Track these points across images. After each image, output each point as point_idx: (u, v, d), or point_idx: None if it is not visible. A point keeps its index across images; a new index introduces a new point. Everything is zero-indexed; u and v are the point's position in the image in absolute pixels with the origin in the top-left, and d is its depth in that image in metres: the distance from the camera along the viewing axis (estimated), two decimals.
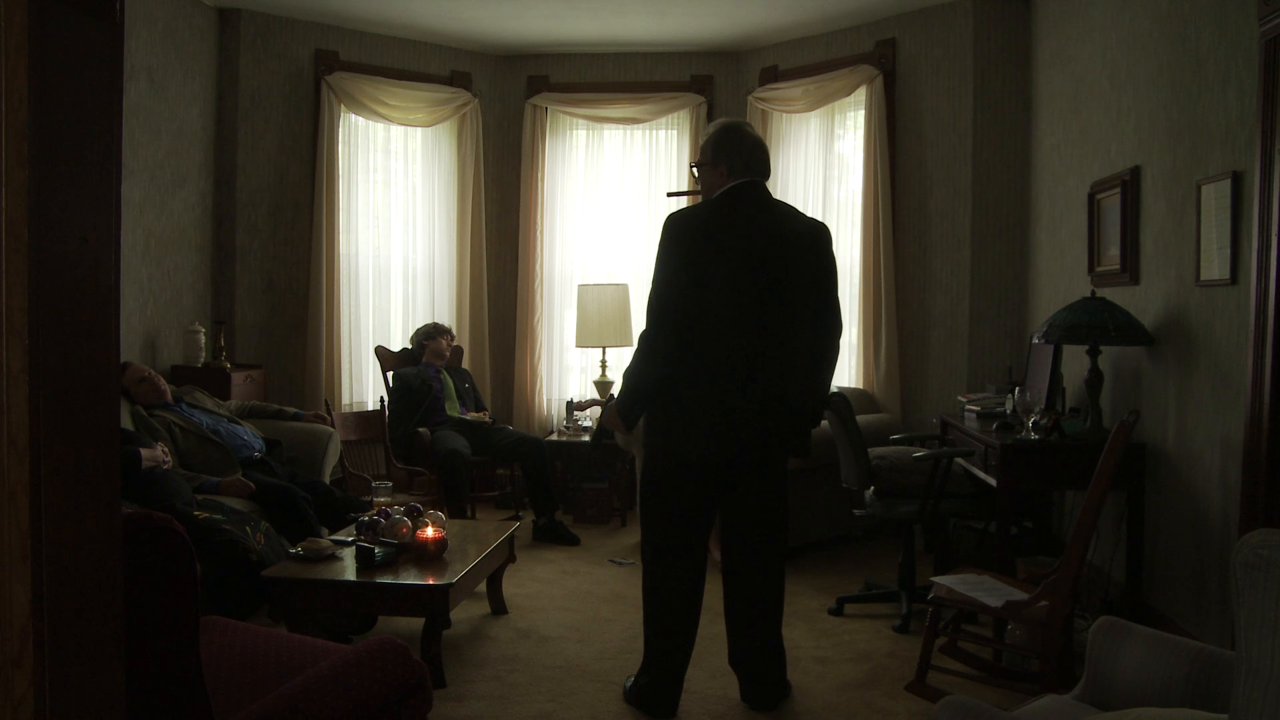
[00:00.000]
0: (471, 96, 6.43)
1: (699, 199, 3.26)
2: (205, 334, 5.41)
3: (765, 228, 3.03)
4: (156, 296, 5.23)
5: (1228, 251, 3.14)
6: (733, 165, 3.07)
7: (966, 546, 4.61)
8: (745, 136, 3.12)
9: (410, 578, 3.42)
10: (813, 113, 6.02)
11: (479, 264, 6.46)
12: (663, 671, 3.12)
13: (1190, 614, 3.46)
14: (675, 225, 3.03)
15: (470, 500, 5.44)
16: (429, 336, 5.81)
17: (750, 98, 6.25)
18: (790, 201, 6.10)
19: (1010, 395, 4.08)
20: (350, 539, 3.70)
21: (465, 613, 4.05)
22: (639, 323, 6.38)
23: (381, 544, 3.51)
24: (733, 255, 2.96)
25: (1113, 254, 4.08)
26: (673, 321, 2.95)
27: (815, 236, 3.12)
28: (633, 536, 5.56)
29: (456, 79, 6.43)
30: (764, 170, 3.12)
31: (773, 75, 6.21)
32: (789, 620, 4.05)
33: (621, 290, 6.29)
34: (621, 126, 6.56)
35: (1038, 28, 5.16)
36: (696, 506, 3.11)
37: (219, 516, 3.72)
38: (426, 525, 3.66)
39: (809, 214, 6.47)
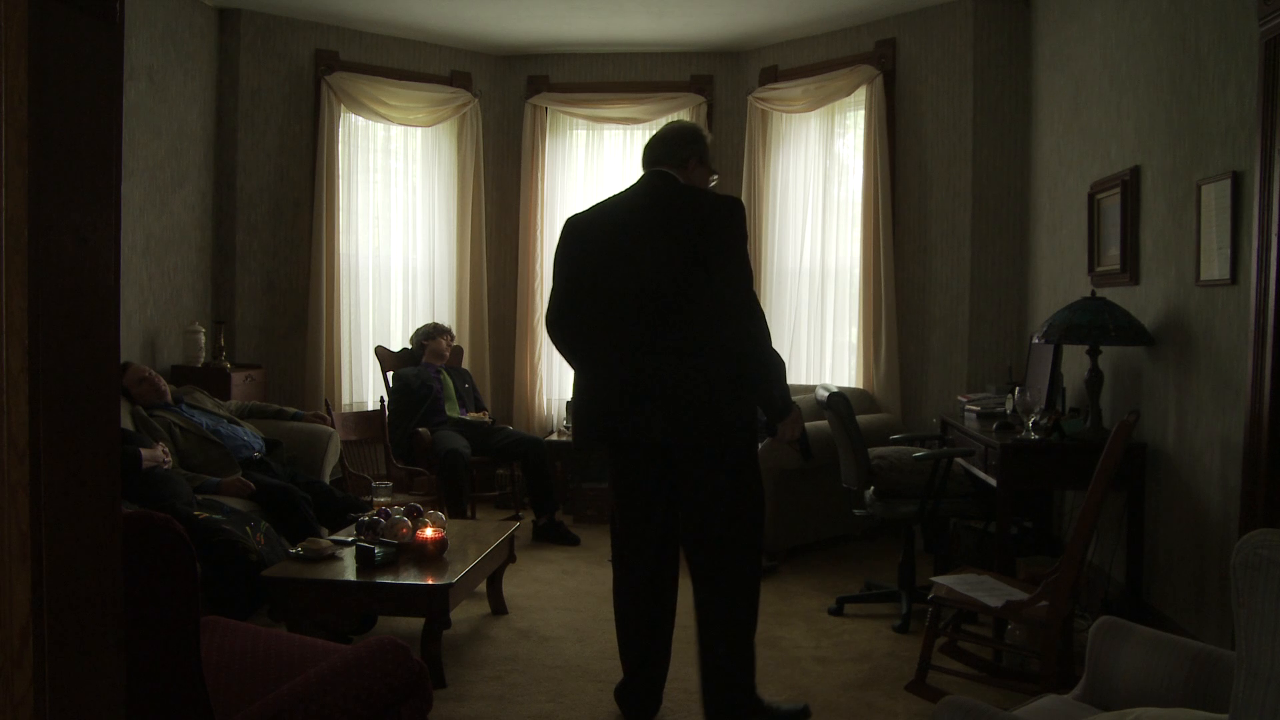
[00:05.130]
0: (471, 96, 6.43)
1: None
2: (205, 334, 5.41)
3: (638, 218, 2.96)
4: (156, 296, 5.23)
5: (1228, 251, 3.14)
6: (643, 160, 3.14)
7: (966, 546, 4.61)
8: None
9: (410, 578, 3.42)
10: (813, 113, 6.02)
11: (479, 264, 6.46)
12: (632, 675, 3.09)
13: (1190, 614, 3.46)
14: (565, 227, 3.08)
15: (470, 500, 5.44)
16: (429, 336, 5.81)
17: (750, 98, 6.25)
18: (789, 201, 6.18)
19: (1010, 395, 4.08)
20: (350, 539, 3.70)
21: (465, 613, 4.05)
22: None
23: (381, 544, 3.51)
24: (620, 248, 2.95)
25: (1113, 254, 4.08)
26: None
27: (698, 211, 2.92)
28: None
29: (456, 79, 6.43)
30: (656, 159, 3.07)
31: (773, 75, 6.21)
32: (789, 620, 4.06)
33: None
34: (621, 126, 6.56)
35: (1037, 28, 5.16)
36: (644, 502, 3.02)
37: (219, 516, 3.72)
38: (426, 525, 3.66)
39: (808, 214, 6.30)
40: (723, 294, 2.80)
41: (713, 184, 3.16)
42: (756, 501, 2.98)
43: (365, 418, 5.40)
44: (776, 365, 2.87)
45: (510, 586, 4.33)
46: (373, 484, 4.28)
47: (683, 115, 6.44)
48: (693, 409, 2.83)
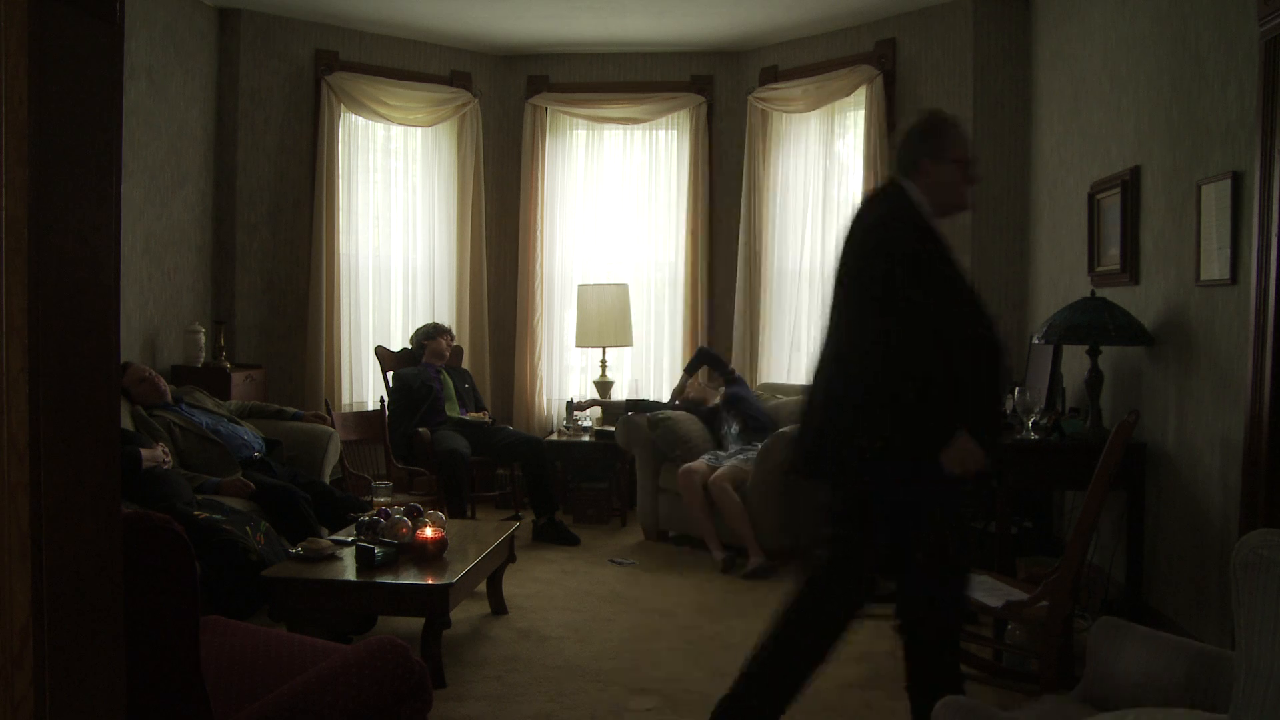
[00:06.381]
0: (471, 96, 6.43)
1: None
2: (205, 334, 5.41)
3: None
4: (156, 296, 5.23)
5: (1228, 251, 3.14)
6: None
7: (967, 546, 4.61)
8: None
9: (410, 578, 3.42)
10: (812, 113, 6.02)
11: (479, 264, 6.46)
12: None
13: (1190, 614, 3.46)
14: None
15: (470, 500, 5.44)
16: (429, 336, 5.81)
17: (750, 98, 6.25)
18: (789, 202, 6.17)
19: (1010, 395, 4.08)
20: (350, 539, 3.70)
21: (465, 613, 4.05)
22: (639, 323, 6.47)
23: (381, 544, 3.51)
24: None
25: (1113, 254, 4.08)
26: None
27: (856, 230, 2.75)
28: (633, 536, 5.56)
29: (456, 79, 6.43)
30: (898, 166, 2.81)
31: (773, 75, 6.21)
32: None
33: (621, 290, 6.29)
34: (621, 126, 6.56)
35: (1038, 28, 5.16)
36: None
37: (219, 516, 3.72)
38: (426, 525, 3.66)
39: (808, 214, 6.11)
40: (835, 322, 2.69)
41: (973, 173, 2.80)
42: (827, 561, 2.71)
43: (365, 418, 5.40)
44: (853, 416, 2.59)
45: (510, 586, 4.33)
46: (373, 484, 4.28)
47: (682, 115, 6.45)
48: (799, 441, 2.79)
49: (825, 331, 2.76)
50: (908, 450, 2.57)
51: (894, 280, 2.55)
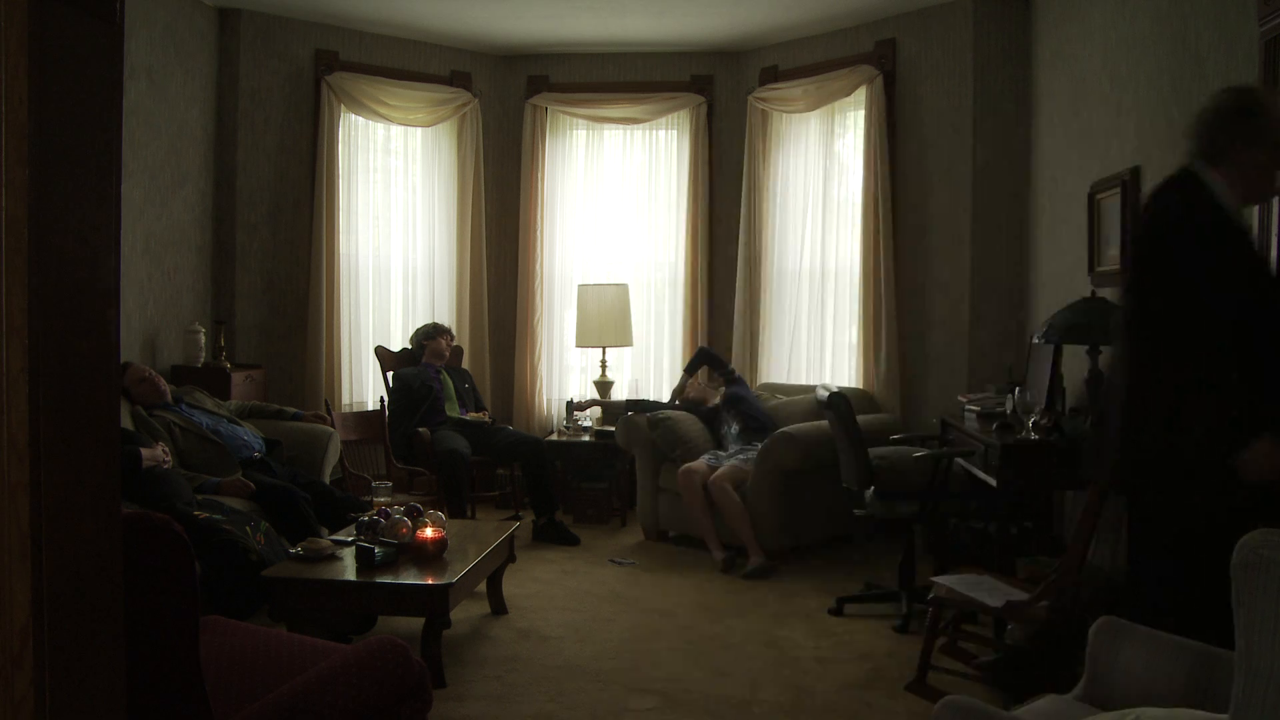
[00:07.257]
0: (471, 96, 6.43)
1: None
2: (205, 334, 5.40)
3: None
4: (156, 296, 5.23)
5: None
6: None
7: (966, 546, 4.61)
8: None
9: (410, 577, 3.42)
10: (812, 113, 6.01)
11: (479, 264, 6.46)
12: None
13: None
14: None
15: (470, 500, 5.44)
16: (429, 336, 5.81)
17: (750, 98, 6.25)
18: (789, 202, 6.17)
19: (1010, 395, 4.08)
20: (350, 539, 3.70)
21: (465, 613, 4.05)
22: (639, 323, 6.47)
23: (381, 544, 3.51)
24: None
25: (1113, 254, 4.08)
26: None
27: (1144, 225, 2.59)
28: (633, 536, 5.56)
29: (456, 79, 6.43)
30: (1199, 150, 2.57)
31: (773, 75, 6.21)
32: (789, 620, 4.07)
33: (621, 290, 6.29)
34: (621, 126, 6.56)
35: (1038, 28, 5.15)
36: None
37: (219, 516, 3.72)
38: (426, 525, 3.66)
39: (808, 214, 6.06)
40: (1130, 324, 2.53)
41: None
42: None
43: (365, 418, 5.40)
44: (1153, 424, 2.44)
45: (510, 586, 4.33)
46: (373, 484, 4.28)
47: (682, 115, 6.44)
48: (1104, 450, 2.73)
49: (1121, 336, 2.60)
50: (1203, 456, 2.37)
51: (1184, 277, 2.39)
